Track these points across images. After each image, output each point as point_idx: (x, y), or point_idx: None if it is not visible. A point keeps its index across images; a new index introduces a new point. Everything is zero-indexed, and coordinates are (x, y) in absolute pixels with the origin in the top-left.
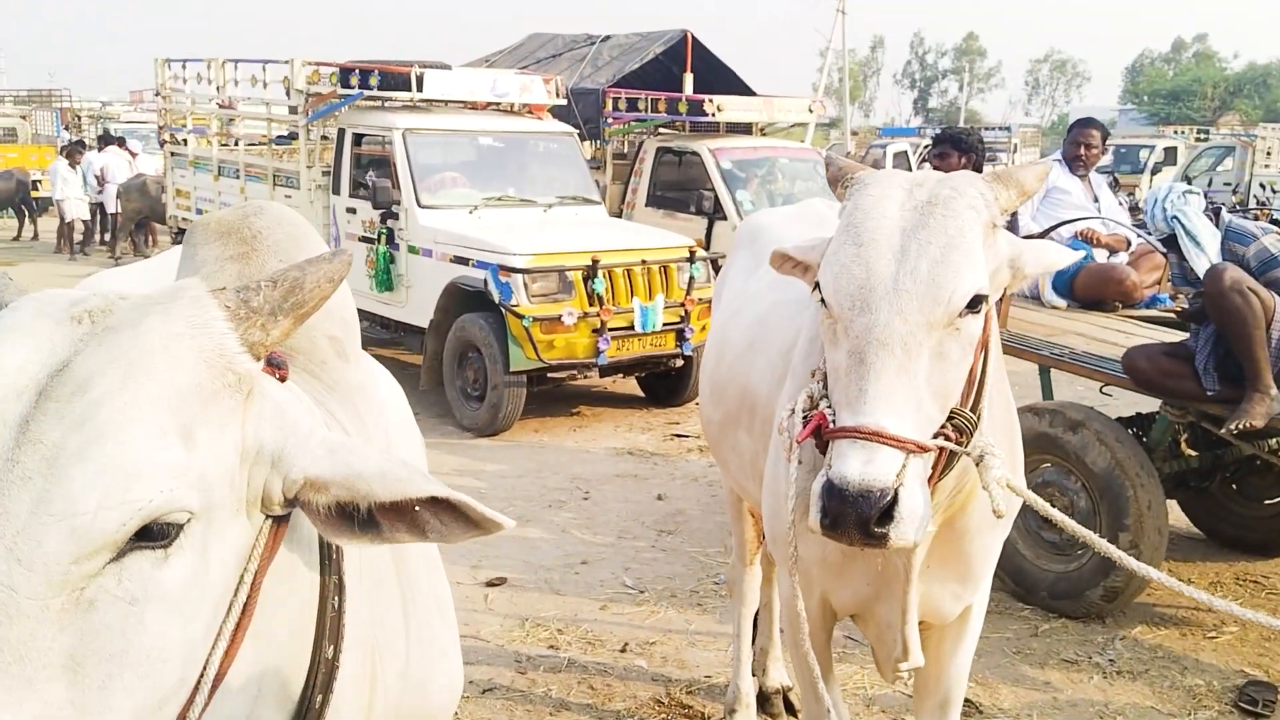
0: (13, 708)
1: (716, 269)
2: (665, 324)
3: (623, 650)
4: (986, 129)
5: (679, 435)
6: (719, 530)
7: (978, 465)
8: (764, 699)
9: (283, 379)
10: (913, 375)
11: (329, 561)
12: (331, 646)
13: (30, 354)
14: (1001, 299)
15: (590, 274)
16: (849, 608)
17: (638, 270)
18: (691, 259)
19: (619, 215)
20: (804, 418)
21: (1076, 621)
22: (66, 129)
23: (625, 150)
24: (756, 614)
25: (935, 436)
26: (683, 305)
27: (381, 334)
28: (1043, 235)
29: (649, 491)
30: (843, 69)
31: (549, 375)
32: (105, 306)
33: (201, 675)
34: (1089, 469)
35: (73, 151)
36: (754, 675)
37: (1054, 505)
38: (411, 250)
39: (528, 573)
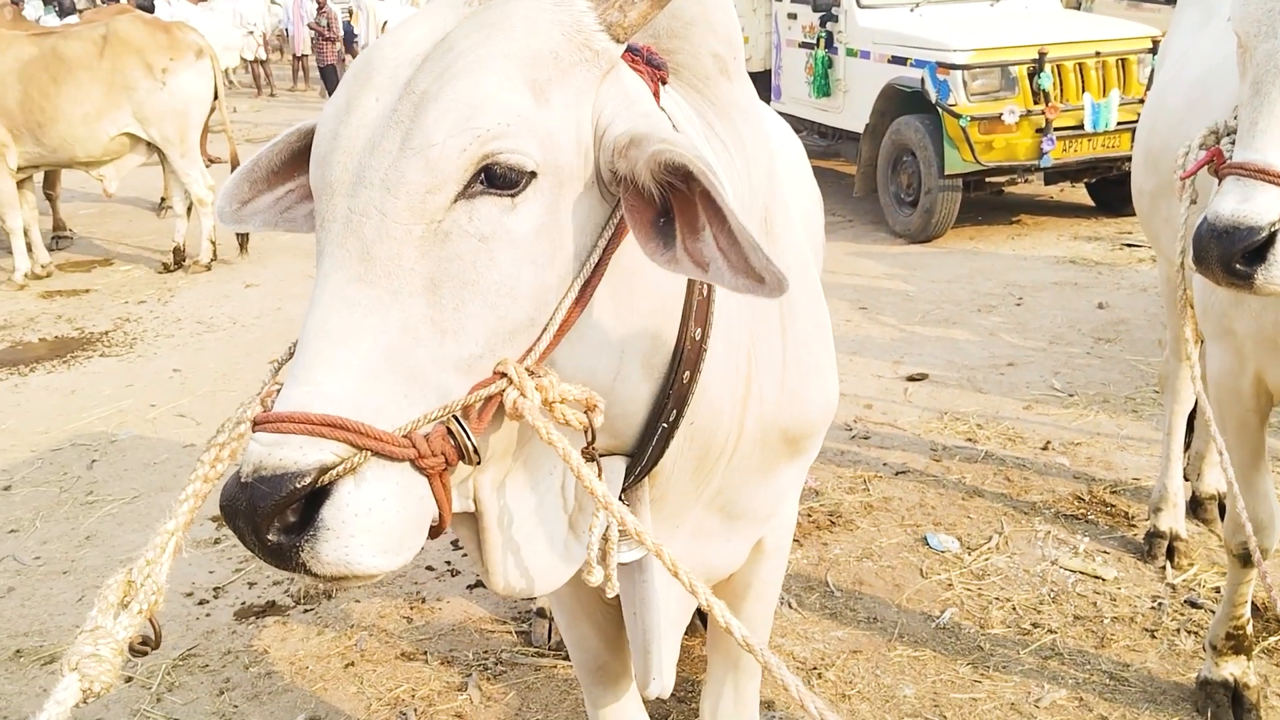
0: (381, 313)
1: None
2: (1120, 123)
3: (1044, 448)
4: None
5: (1131, 245)
6: None
7: None
8: (1196, 504)
9: (663, 80)
10: None
11: None
12: (699, 329)
13: (425, 31)
14: None
15: (1036, 69)
16: None
17: (1091, 64)
18: (1154, 50)
19: (1077, 8)
20: (1200, 154)
21: None
22: None
23: None
24: (1192, 414)
25: None
26: (1141, 102)
27: (819, 143)
28: None
29: (1089, 299)
30: None
31: (986, 179)
32: None
33: (550, 319)
34: None
35: None
36: (1186, 480)
37: None
38: (849, 53)
39: (950, 371)
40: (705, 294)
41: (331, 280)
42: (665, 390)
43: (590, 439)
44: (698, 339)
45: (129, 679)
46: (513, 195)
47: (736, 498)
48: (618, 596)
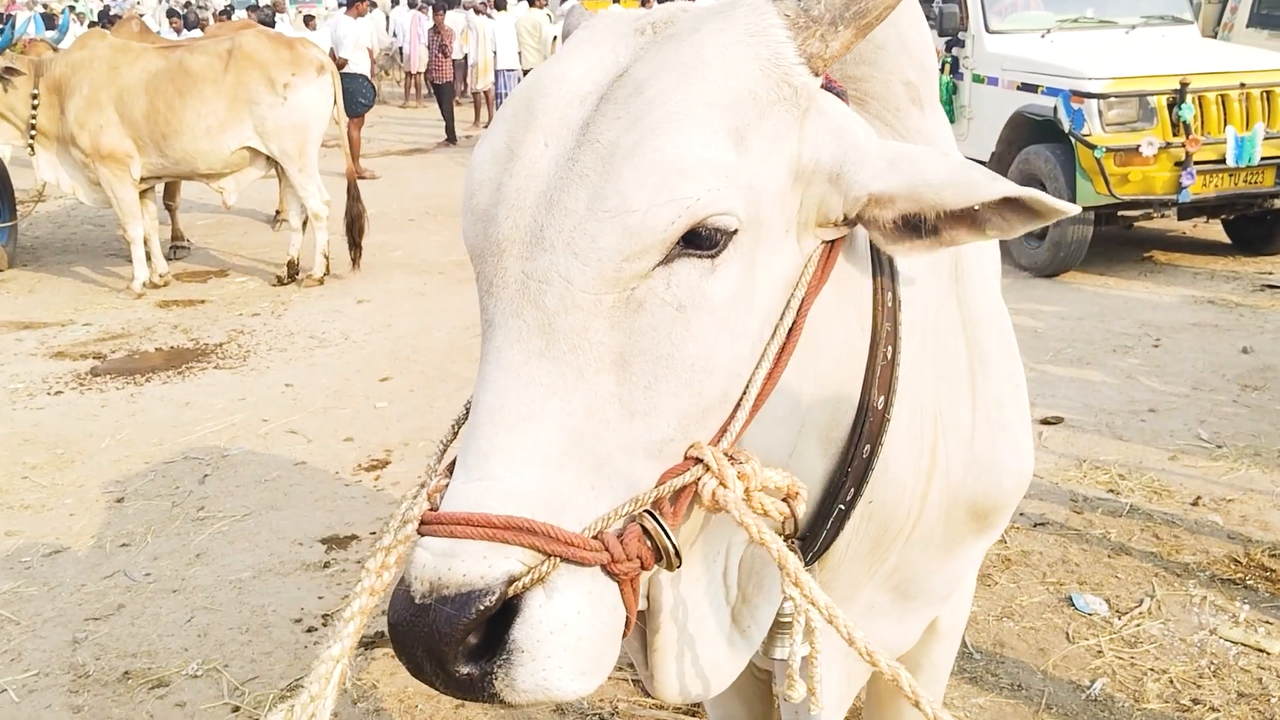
0: (566, 393)
1: None
2: (1264, 158)
3: (1194, 504)
4: None
5: (1272, 286)
6: None
7: None
8: None
9: None
10: None
11: (882, 308)
12: (882, 397)
13: (594, 63)
14: None
15: (1177, 99)
16: None
17: (1234, 95)
18: None
19: (1213, 38)
20: None
21: None
22: None
23: None
24: None
25: None
26: None
27: None
28: None
29: (1232, 343)
30: None
31: (1120, 214)
32: (668, 18)
33: (744, 394)
34: None
35: None
36: None
37: None
38: (976, 79)
39: (1086, 415)
40: (889, 358)
41: (506, 355)
42: (843, 467)
43: (793, 530)
44: (880, 408)
45: (236, 709)
46: (713, 256)
47: (913, 576)
48: (767, 672)
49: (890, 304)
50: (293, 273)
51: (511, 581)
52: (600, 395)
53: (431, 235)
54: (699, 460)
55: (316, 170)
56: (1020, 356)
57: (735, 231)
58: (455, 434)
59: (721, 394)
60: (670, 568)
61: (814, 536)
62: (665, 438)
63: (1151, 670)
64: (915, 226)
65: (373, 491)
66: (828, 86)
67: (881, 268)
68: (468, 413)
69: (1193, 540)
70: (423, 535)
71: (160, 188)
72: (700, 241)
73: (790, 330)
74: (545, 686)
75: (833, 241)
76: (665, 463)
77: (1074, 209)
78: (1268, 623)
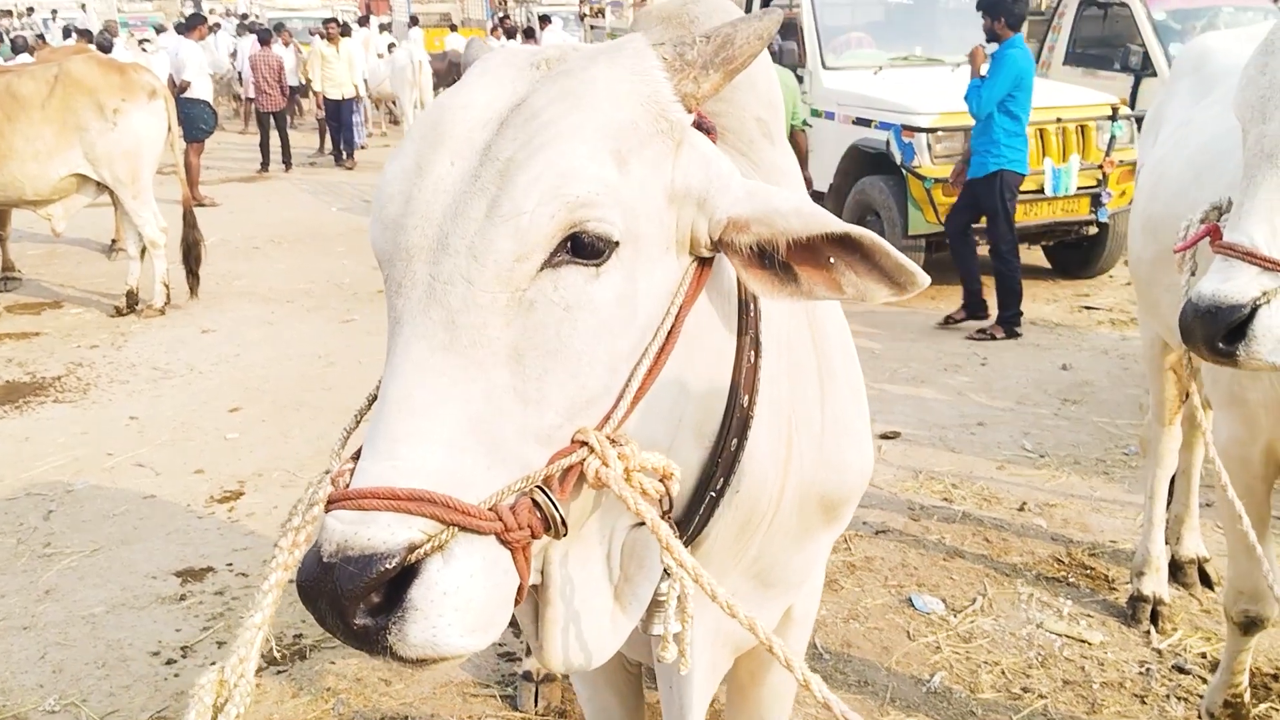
0: (467, 383)
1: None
2: (1079, 188)
3: (1020, 509)
4: None
5: (1089, 308)
6: (1130, 403)
7: None
8: (1176, 568)
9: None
10: None
11: (746, 319)
12: (747, 396)
13: (496, 93)
14: None
15: None
16: None
17: (1051, 129)
18: (1114, 117)
19: None
20: (1200, 227)
21: None
22: (494, 13)
23: (1042, 6)
24: (1173, 479)
25: None
26: (1100, 168)
27: None
28: None
29: (1052, 361)
30: None
31: (948, 241)
32: (560, 56)
33: (625, 387)
34: None
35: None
36: (1166, 543)
37: None
38: (815, 113)
39: (921, 429)
40: (753, 361)
41: (414, 349)
42: (714, 459)
43: (668, 508)
44: (745, 406)
45: None
46: (597, 265)
47: (773, 565)
48: (639, 665)
49: (753, 315)
50: (132, 303)
51: (413, 549)
52: (497, 385)
53: (277, 263)
54: (584, 443)
55: (151, 197)
56: (861, 374)
57: (617, 244)
58: (358, 423)
59: (603, 386)
60: (557, 536)
61: (688, 522)
62: (554, 424)
63: (985, 663)
64: (769, 257)
65: (227, 523)
66: (698, 123)
67: (746, 289)
68: (370, 404)
69: (1020, 542)
70: (334, 509)
71: None
72: (584, 250)
73: (669, 334)
74: (434, 642)
75: (708, 261)
76: (554, 447)
77: (923, 279)
78: (1089, 616)
